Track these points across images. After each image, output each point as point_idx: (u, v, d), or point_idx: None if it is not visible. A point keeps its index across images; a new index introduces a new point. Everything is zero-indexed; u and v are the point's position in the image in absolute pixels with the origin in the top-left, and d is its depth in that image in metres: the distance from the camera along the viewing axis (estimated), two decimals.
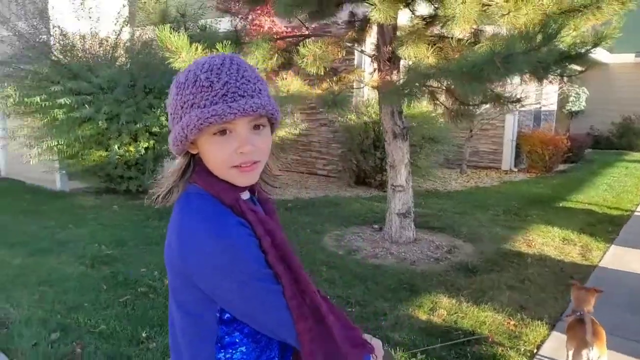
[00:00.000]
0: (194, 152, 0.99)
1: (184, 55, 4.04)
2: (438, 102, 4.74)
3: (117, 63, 6.85)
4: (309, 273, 1.02)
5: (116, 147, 6.54)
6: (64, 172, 7.38)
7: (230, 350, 1.00)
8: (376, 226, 5.88)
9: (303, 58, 4.21)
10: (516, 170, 10.75)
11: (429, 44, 4.00)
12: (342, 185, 8.84)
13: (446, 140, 8.49)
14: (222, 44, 4.26)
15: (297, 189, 8.52)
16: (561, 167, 10.96)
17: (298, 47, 4.35)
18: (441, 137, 8.30)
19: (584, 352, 2.50)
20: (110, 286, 3.87)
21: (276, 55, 4.56)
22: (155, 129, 6.87)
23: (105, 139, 6.59)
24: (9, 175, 8.88)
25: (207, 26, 4.84)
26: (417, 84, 4.09)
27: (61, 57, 6.53)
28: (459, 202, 7.46)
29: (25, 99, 6.01)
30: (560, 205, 7.30)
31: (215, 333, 0.98)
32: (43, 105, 6.05)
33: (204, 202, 0.96)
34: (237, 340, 1.00)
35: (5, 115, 7.47)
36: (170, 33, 4.07)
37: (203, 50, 4.25)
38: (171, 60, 4.09)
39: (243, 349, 1.01)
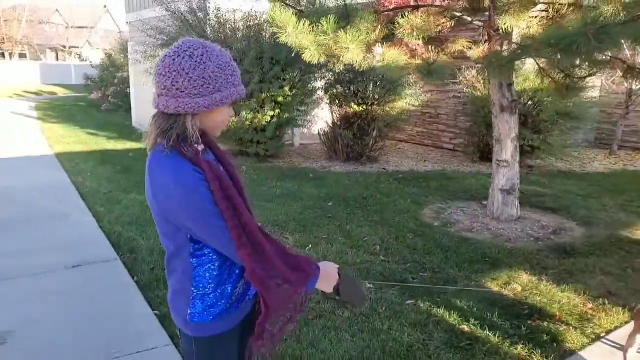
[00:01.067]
0: (203, 112, 1.30)
1: (290, 30, 4.49)
2: (545, 74, 4.49)
3: (249, 36, 7.63)
4: (266, 226, 1.36)
5: (244, 113, 7.40)
6: None
7: (202, 258, 1.37)
8: (485, 202, 5.82)
9: (401, 29, 4.36)
10: None
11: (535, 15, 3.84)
12: (465, 160, 8.70)
13: (585, 117, 7.76)
14: (327, 18, 4.61)
15: (415, 162, 8.63)
16: None
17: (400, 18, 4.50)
18: (580, 113, 7.62)
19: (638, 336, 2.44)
20: None
21: (379, 27, 4.77)
22: (280, 99, 7.57)
23: (237, 106, 7.49)
24: None
25: (318, 1, 5.22)
26: (522, 55, 3.98)
27: (210, 32, 7.51)
28: (591, 184, 6.87)
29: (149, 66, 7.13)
30: None
31: (189, 251, 1.36)
32: None
33: (170, 159, 1.27)
34: (206, 253, 1.37)
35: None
36: (280, 10, 4.55)
37: (309, 25, 4.66)
38: (279, 34, 4.58)
39: (212, 256, 1.38)
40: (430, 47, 4.63)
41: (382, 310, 3.22)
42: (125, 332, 2.97)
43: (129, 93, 13.46)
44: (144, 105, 11.58)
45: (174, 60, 1.26)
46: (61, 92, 24.72)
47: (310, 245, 4.33)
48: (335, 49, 4.62)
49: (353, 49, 4.50)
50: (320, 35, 4.55)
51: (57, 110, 16.23)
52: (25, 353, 2.77)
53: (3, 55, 41.38)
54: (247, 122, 7.60)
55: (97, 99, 17.18)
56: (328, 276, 1.48)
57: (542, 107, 7.46)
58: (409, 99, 8.50)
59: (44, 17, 43.44)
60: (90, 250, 4.17)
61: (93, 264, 3.87)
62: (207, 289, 1.39)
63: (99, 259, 3.99)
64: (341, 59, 4.62)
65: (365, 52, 4.59)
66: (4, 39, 40.71)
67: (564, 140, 7.85)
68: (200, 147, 1.35)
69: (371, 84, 8.13)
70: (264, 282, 1.32)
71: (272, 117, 7.68)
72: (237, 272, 1.42)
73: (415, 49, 4.76)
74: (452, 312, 3.20)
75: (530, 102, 7.54)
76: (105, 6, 48.47)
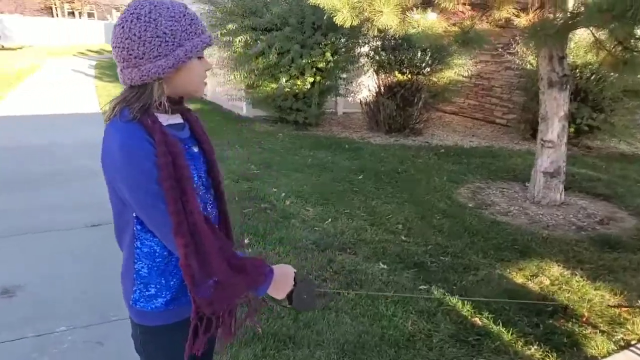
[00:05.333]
0: (169, 75, 1.16)
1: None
2: (600, 46, 4.00)
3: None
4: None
5: (284, 80, 7.25)
6: (248, 100, 8.51)
7: (146, 243, 1.24)
8: (528, 184, 5.44)
9: None
10: None
11: None
12: (515, 137, 8.18)
13: None
14: None
15: (461, 136, 8.20)
16: None
17: None
18: None
19: None
20: (241, 198, 4.57)
21: None
22: (321, 65, 7.34)
23: (276, 72, 7.35)
24: (212, 99, 10.59)
25: None
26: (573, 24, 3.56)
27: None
28: None
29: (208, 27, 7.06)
30: None
31: (133, 231, 1.23)
32: (224, 40, 7.04)
33: (124, 123, 1.15)
34: (150, 237, 1.23)
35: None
36: None
37: None
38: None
39: (158, 242, 1.23)
40: (471, 13, 4.24)
41: (390, 294, 3.06)
42: None
43: None
44: None
45: (122, 28, 1.13)
46: None
47: (330, 219, 4.20)
48: (369, 12, 4.34)
49: (387, 13, 4.21)
50: None
51: (113, 68, 16.66)
52: (25, 307, 2.85)
53: (73, 14, 43.13)
54: (287, 89, 7.45)
55: None
56: (282, 282, 1.35)
57: (607, 83, 6.80)
58: (458, 69, 8.01)
59: None
60: None
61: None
62: (150, 278, 1.27)
63: None
64: (375, 23, 4.34)
65: (400, 17, 4.28)
66: None
67: (630, 121, 7.17)
68: (166, 117, 1.21)
69: (419, 52, 7.71)
70: (194, 278, 1.19)
71: (312, 84, 7.48)
72: None
73: (456, 14, 4.38)
74: (466, 302, 2.99)
75: (592, 77, 6.89)
76: None
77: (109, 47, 26.51)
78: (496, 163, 6.36)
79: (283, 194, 4.74)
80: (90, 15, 44.04)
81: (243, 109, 9.08)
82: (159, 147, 1.12)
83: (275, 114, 8.17)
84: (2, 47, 22.98)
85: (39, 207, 4.38)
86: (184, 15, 1.15)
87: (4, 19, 25.10)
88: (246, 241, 3.67)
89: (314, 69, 7.41)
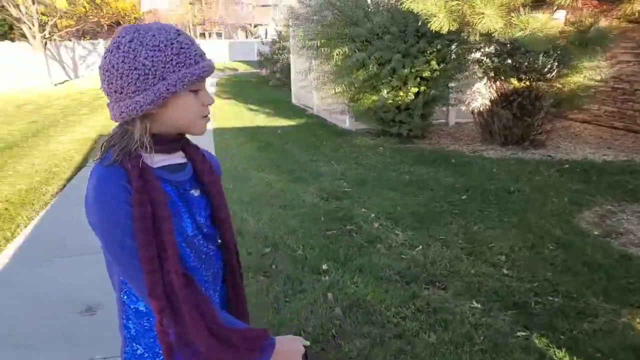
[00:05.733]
0: (154, 112, 1.04)
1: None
2: None
3: (390, 9, 7.15)
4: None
5: (385, 91, 7.00)
6: (350, 113, 8.40)
7: (132, 297, 1.13)
8: None
9: None
10: None
11: None
12: None
13: None
14: None
15: (593, 149, 7.23)
16: None
17: None
18: None
19: None
20: (327, 219, 4.42)
21: None
22: (426, 74, 6.97)
23: (377, 83, 7.13)
24: (318, 112, 10.68)
25: None
26: None
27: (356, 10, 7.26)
28: None
29: (307, 41, 7.07)
30: None
31: (119, 283, 1.14)
32: (322, 50, 7.00)
33: (103, 167, 1.05)
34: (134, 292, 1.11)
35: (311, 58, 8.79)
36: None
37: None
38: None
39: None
40: (592, 9, 3.63)
41: (478, 340, 2.66)
42: None
43: None
44: (302, 81, 11.94)
45: (105, 58, 1.04)
46: (242, 68, 27.21)
47: (421, 246, 3.85)
48: (470, 16, 3.95)
49: (491, 15, 3.79)
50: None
51: (232, 85, 17.85)
52: (101, 327, 2.96)
53: (204, 35, 47.26)
54: (389, 100, 7.19)
55: (266, 75, 18.37)
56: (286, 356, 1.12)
57: None
58: (589, 72, 7.07)
59: None
60: None
61: None
62: (137, 338, 1.16)
63: None
64: (476, 26, 3.94)
65: (505, 18, 3.83)
66: (204, 20, 46.42)
67: None
68: (162, 157, 1.10)
69: (540, 55, 6.96)
70: (170, 346, 1.06)
71: (416, 94, 7.13)
72: None
73: (576, 10, 3.79)
74: (577, 357, 2.49)
75: None
76: None
77: (232, 65, 28.54)
78: (635, 181, 5.45)
79: (372, 215, 4.49)
80: (218, 35, 47.86)
81: (346, 122, 9.00)
82: (134, 196, 1.01)
83: (378, 127, 7.94)
84: None
85: None
86: (171, 44, 1.01)
87: None
88: (324, 267, 3.49)
89: (418, 78, 7.06)
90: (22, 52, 19.57)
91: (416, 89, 7.06)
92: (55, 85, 19.40)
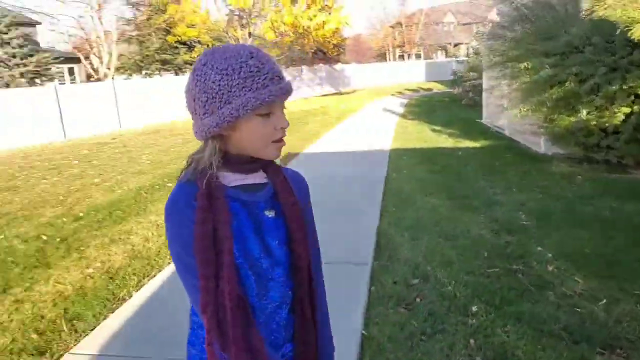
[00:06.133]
0: (225, 133, 1.08)
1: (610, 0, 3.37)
2: None
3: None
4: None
5: (584, 112, 6.08)
6: (545, 135, 7.54)
7: (196, 314, 1.18)
8: None
9: None
10: None
11: None
12: None
13: None
14: None
15: None
16: None
17: None
18: None
19: None
20: (491, 254, 3.96)
21: None
22: None
23: (575, 102, 6.24)
24: (510, 134, 9.83)
25: None
26: None
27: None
28: None
29: (496, 57, 6.53)
30: None
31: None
32: (512, 66, 6.39)
33: (180, 184, 1.11)
34: None
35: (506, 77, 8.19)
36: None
37: None
38: (596, 7, 3.51)
39: None
40: None
41: None
42: None
43: None
44: (495, 99, 11.22)
45: (188, 78, 1.11)
46: (437, 88, 26.88)
47: (605, 300, 3.16)
48: None
49: None
50: None
51: (422, 105, 17.72)
52: None
53: (403, 57, 48.27)
54: (592, 122, 6.23)
55: (458, 94, 17.79)
56: None
57: None
58: None
59: (437, 18, 48.08)
60: (349, 249, 4.27)
61: (344, 263, 3.98)
62: (199, 355, 1.19)
63: (352, 260, 4.06)
64: None
65: None
66: (404, 42, 47.43)
67: None
68: (241, 176, 1.14)
69: None
70: None
71: (628, 114, 6.03)
72: None
73: None
74: None
75: None
76: None
77: (426, 85, 28.66)
78: None
79: (549, 255, 3.88)
80: (417, 56, 48.33)
81: (540, 145, 8.09)
82: (197, 214, 1.05)
83: (579, 152, 6.94)
84: (340, 92, 27.44)
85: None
86: (240, 68, 1.03)
87: (346, 68, 29.95)
88: (473, 309, 3.11)
89: (632, 95, 5.96)
90: None
91: (628, 109, 5.98)
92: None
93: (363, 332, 2.97)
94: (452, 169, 7.22)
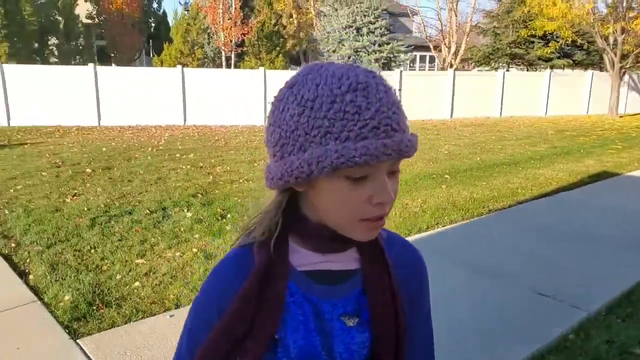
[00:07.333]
0: (299, 189, 0.79)
1: None
2: None
3: None
4: None
5: None
6: None
7: None
8: None
9: None
10: None
11: None
12: None
13: None
14: None
15: None
16: None
17: None
18: None
19: None
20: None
21: None
22: None
23: None
24: None
25: None
26: None
27: None
28: None
29: None
30: None
31: None
32: None
33: (237, 248, 0.87)
34: None
35: None
36: None
37: None
38: None
39: None
40: None
41: None
42: None
43: None
44: None
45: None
46: None
47: None
48: None
49: None
50: None
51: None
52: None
53: None
54: None
55: None
56: None
57: None
58: None
59: None
60: None
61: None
62: None
63: None
64: None
65: None
66: None
67: None
68: (320, 256, 0.83)
69: None
70: None
71: None
72: None
73: None
74: None
75: None
76: None
77: None
78: None
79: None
80: None
81: None
82: (232, 304, 0.80)
83: None
84: None
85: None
86: (331, 103, 0.70)
87: None
88: None
89: None
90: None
91: None
92: (620, 116, 19.22)
93: None
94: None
